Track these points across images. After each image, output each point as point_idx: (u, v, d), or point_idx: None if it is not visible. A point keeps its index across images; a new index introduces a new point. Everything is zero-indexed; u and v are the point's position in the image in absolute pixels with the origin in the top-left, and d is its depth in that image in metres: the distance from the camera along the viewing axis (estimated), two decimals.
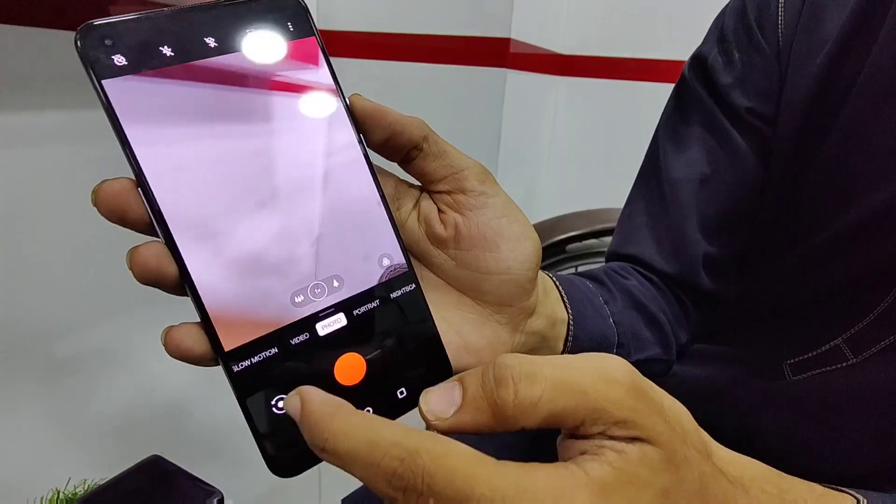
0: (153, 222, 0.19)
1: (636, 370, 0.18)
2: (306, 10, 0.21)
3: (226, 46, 0.20)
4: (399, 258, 0.22)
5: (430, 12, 0.92)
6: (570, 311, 0.32)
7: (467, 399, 0.18)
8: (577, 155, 1.24)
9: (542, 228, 0.83)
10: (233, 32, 0.20)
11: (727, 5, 0.43)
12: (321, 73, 0.21)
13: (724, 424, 0.43)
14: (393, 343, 0.22)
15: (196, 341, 0.19)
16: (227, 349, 0.19)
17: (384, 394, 0.21)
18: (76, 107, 0.59)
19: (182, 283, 0.19)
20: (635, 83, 1.15)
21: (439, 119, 0.96)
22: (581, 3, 1.11)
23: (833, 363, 0.39)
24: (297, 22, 0.21)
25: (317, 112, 0.21)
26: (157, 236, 0.19)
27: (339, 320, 0.21)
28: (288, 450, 0.19)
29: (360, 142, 0.22)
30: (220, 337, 0.19)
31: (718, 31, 0.42)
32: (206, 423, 0.81)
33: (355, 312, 0.21)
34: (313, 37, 0.21)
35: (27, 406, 0.61)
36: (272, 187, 0.20)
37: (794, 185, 0.39)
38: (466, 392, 0.18)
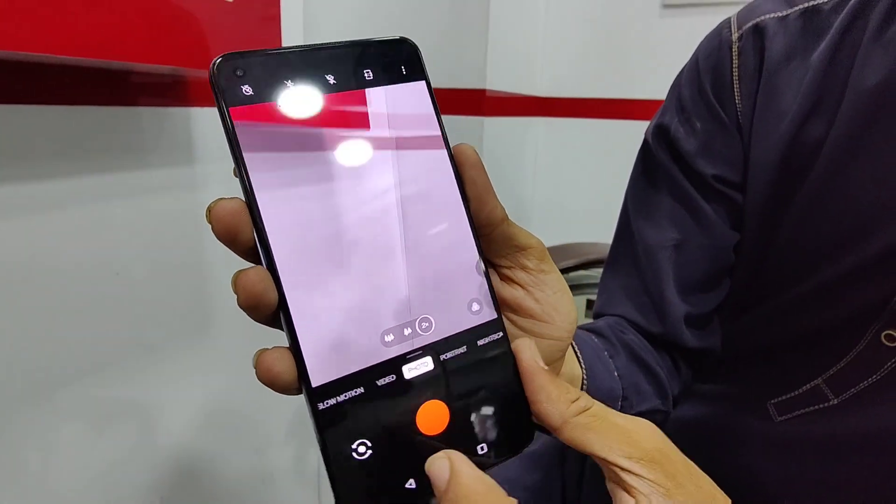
0: (258, 248, 0.19)
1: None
2: (419, 54, 0.22)
3: (344, 84, 0.20)
4: (489, 305, 0.22)
5: None
6: (583, 367, 0.34)
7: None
8: (558, 190, 1.28)
9: None
10: (351, 71, 0.21)
11: (681, 73, 0.43)
12: (430, 118, 0.22)
13: (717, 465, 0.45)
14: (479, 394, 0.21)
15: (286, 368, 0.19)
16: (314, 385, 0.19)
17: (465, 449, 0.20)
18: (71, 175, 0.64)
19: (278, 312, 0.19)
20: (615, 122, 1.20)
21: None
22: (556, 49, 1.17)
23: (815, 403, 0.40)
24: (410, 64, 0.22)
25: (423, 156, 0.21)
26: (260, 263, 0.19)
27: (426, 364, 0.20)
28: (362, 494, 0.19)
29: (461, 190, 0.22)
30: (308, 372, 0.19)
31: (677, 100, 0.43)
32: (210, 473, 0.85)
33: (442, 357, 0.21)
34: (424, 80, 0.22)
35: (30, 453, 0.64)
36: (375, 226, 0.20)
37: (766, 247, 0.41)
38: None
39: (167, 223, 0.87)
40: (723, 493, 0.22)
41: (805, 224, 0.39)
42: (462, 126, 0.97)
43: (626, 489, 0.20)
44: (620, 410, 0.38)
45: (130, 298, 0.82)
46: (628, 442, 0.20)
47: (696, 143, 0.41)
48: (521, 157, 1.20)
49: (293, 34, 0.99)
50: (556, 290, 0.26)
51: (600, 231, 0.47)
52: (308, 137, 0.20)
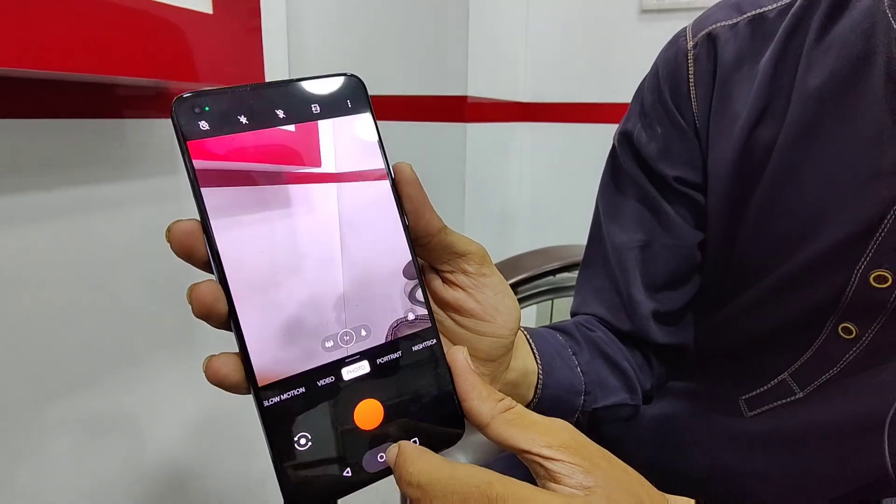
0: (211, 264, 0.21)
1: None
2: (364, 88, 0.24)
3: (294, 117, 0.23)
4: (424, 314, 0.24)
5: (391, 74, 0.99)
6: (539, 363, 0.36)
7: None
8: (542, 193, 1.30)
9: (504, 268, 0.88)
10: (301, 105, 0.23)
11: (643, 82, 0.46)
12: (373, 146, 0.24)
13: (691, 460, 0.47)
14: (411, 393, 0.24)
15: (233, 371, 0.22)
16: (260, 384, 0.21)
17: (398, 441, 0.23)
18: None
19: (229, 321, 0.21)
20: (597, 125, 1.22)
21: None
22: (537, 55, 1.19)
23: (783, 397, 0.42)
24: (356, 98, 0.24)
25: (366, 180, 0.24)
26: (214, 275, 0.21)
27: (362, 367, 0.23)
28: (306, 486, 0.21)
29: (399, 206, 0.24)
30: (255, 373, 0.21)
31: (639, 106, 0.45)
32: (202, 480, 0.85)
33: (378, 361, 0.23)
34: (369, 112, 0.24)
35: (19, 468, 0.64)
36: (317, 244, 0.23)
37: (729, 245, 0.42)
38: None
39: (152, 233, 0.87)
40: (634, 471, 0.24)
41: (761, 222, 0.40)
42: (444, 133, 0.98)
43: (551, 477, 0.22)
44: (583, 405, 0.39)
45: (117, 309, 0.83)
46: (547, 434, 0.23)
47: (658, 147, 0.43)
48: (507, 162, 1.21)
49: (275, 45, 0.99)
50: (497, 292, 0.28)
51: (585, 234, 0.48)
52: (258, 166, 0.22)
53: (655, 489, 0.24)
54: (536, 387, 0.36)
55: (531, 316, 1.06)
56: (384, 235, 0.24)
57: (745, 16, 0.40)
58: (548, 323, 0.49)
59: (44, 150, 0.65)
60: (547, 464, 0.22)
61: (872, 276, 0.36)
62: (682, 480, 0.47)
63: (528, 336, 0.37)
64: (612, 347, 0.42)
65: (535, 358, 0.36)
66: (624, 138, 0.45)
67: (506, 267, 0.88)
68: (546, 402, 0.37)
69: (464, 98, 0.95)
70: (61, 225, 0.69)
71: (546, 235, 1.24)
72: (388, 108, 1.01)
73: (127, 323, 0.87)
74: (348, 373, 0.23)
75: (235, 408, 1.13)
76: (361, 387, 0.23)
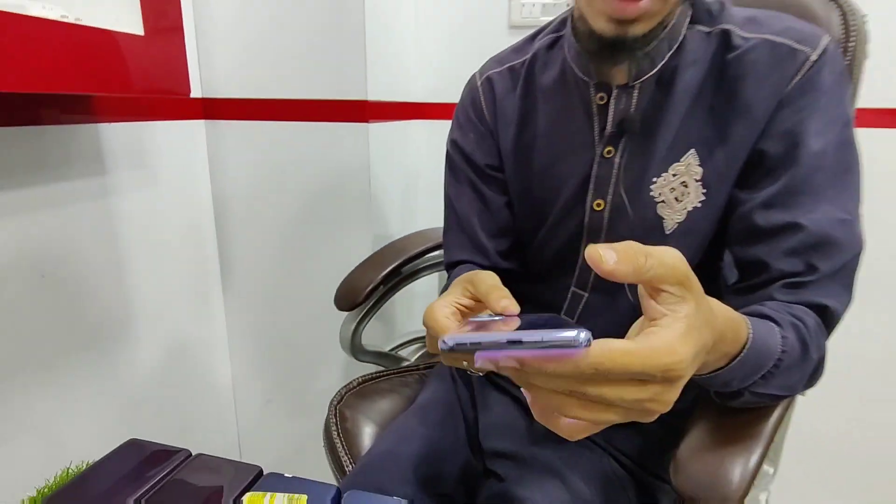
0: None
1: (685, 259, 0.31)
2: None
3: None
4: None
5: (299, 81, 1.12)
6: None
7: (621, 257, 0.29)
8: (438, 179, 1.47)
9: (390, 251, 1.01)
10: None
11: (457, 108, 0.74)
12: None
13: None
14: None
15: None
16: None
17: None
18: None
19: None
20: None
21: (315, 167, 1.23)
22: (425, 62, 1.36)
23: (580, 299, 0.68)
24: None
25: None
26: None
27: None
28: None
29: None
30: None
31: (458, 121, 0.74)
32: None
33: None
34: None
35: None
36: None
37: (523, 200, 0.70)
38: (621, 254, 0.29)
39: (85, 228, 0.96)
40: (720, 313, 0.37)
41: (534, 186, 0.68)
42: (349, 132, 1.13)
43: (669, 306, 0.30)
44: None
45: (53, 301, 0.90)
46: (676, 267, 0.31)
47: (473, 146, 0.72)
48: (405, 154, 1.37)
49: (192, 60, 1.10)
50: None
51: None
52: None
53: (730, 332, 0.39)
54: None
55: (422, 289, 1.22)
56: None
57: (504, 67, 0.70)
58: (440, 292, 0.76)
59: None
60: (669, 296, 0.30)
61: (594, 203, 0.64)
62: None
63: None
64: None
65: None
66: (453, 144, 0.74)
67: (392, 250, 1.02)
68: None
69: (364, 102, 1.10)
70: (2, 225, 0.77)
71: (438, 215, 1.42)
72: (300, 111, 1.14)
73: (63, 314, 0.94)
74: None
75: (169, 395, 1.22)
76: None
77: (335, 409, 0.83)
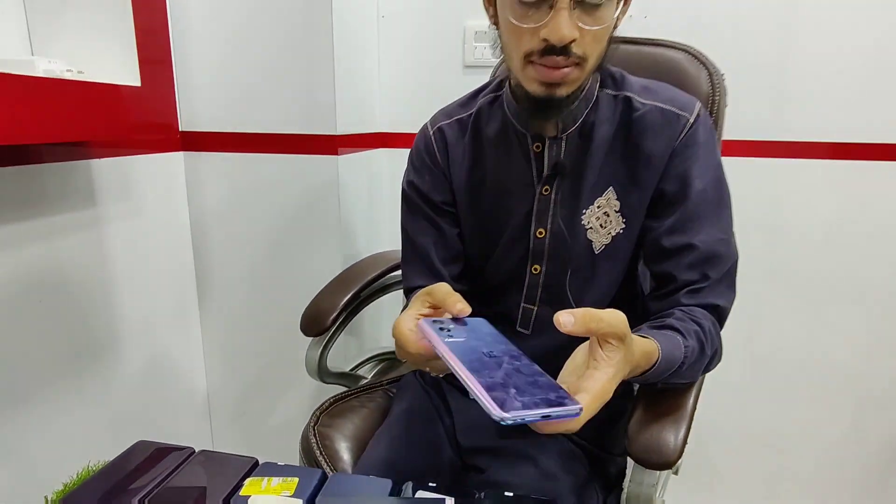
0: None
1: (626, 319, 0.45)
2: None
3: None
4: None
5: (274, 116, 1.23)
6: None
7: (577, 321, 0.43)
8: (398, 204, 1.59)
9: (355, 273, 1.07)
10: None
11: (412, 150, 0.85)
12: None
13: None
14: None
15: None
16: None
17: None
18: None
19: None
20: None
21: (287, 194, 1.36)
22: (388, 97, 1.49)
23: (522, 330, 0.79)
24: None
25: None
26: None
27: None
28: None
29: None
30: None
31: (412, 164, 0.84)
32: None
33: None
34: None
35: None
36: None
37: (474, 231, 0.82)
38: (578, 318, 0.43)
39: (77, 257, 1.04)
40: (638, 351, 0.51)
41: (484, 218, 0.81)
42: (320, 164, 1.25)
43: (608, 352, 0.45)
44: None
45: (50, 323, 0.98)
46: (617, 327, 0.45)
47: (429, 186, 0.83)
48: (371, 179, 1.49)
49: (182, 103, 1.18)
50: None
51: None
52: None
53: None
54: None
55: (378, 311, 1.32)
56: None
57: (453, 119, 0.83)
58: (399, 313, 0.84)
59: None
60: (606, 344, 0.45)
61: (537, 232, 0.76)
62: None
63: None
64: None
65: None
66: (410, 185, 0.84)
67: (354, 273, 1.08)
68: None
69: (334, 136, 1.22)
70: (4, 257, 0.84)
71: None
72: (274, 144, 1.25)
73: (55, 337, 1.02)
74: None
75: (152, 415, 1.30)
76: None
77: (314, 430, 0.86)
